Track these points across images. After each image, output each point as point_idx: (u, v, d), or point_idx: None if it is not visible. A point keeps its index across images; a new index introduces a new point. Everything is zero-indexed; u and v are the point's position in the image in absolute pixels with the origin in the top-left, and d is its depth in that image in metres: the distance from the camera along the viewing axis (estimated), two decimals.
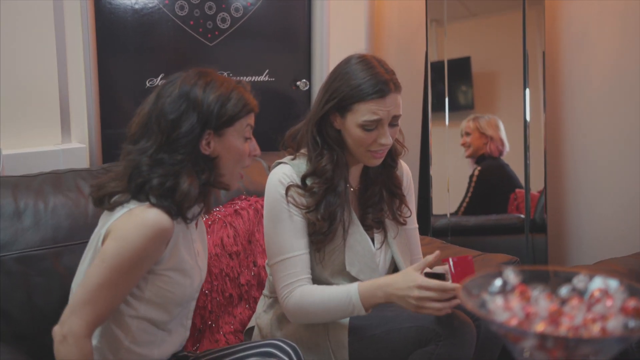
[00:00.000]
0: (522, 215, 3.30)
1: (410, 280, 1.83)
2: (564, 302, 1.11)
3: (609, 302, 1.07)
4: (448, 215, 3.33)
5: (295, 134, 2.08)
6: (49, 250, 2.14)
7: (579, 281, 1.13)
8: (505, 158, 3.37)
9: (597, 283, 1.11)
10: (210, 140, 1.73)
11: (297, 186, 1.98)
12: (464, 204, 3.37)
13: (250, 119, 1.80)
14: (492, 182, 3.41)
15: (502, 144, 3.35)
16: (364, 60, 1.95)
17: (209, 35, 3.00)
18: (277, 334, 2.05)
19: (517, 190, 3.33)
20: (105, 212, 1.76)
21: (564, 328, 1.02)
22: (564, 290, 1.13)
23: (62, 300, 1.87)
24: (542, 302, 1.08)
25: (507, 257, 2.39)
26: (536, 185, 3.28)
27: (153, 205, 1.67)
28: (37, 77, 2.53)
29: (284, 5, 3.21)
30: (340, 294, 1.91)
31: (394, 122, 1.96)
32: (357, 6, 3.36)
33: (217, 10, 2.99)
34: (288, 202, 1.97)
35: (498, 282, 1.13)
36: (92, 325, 1.63)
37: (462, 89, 3.41)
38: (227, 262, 2.34)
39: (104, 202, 1.74)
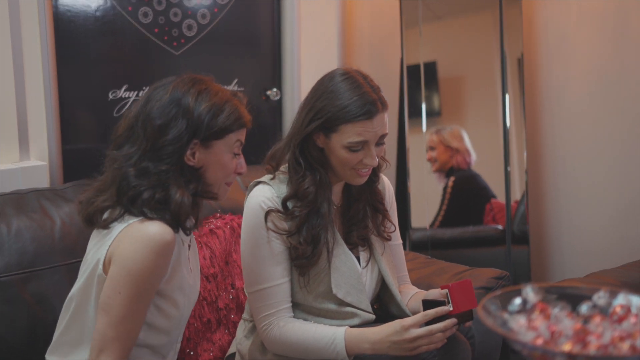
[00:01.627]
0: (500, 227, 3.34)
1: (397, 324, 1.87)
2: (585, 320, 1.14)
3: (633, 319, 1.10)
4: (427, 227, 3.36)
5: (275, 152, 2.07)
6: (14, 277, 2.12)
7: (599, 298, 1.16)
8: (481, 166, 3.41)
9: (619, 299, 1.14)
10: (196, 151, 1.73)
11: (278, 211, 1.98)
12: (439, 217, 3.41)
13: (241, 135, 1.80)
14: (466, 193, 3.45)
15: (469, 154, 3.40)
16: (350, 78, 1.95)
17: (175, 44, 2.99)
18: (260, 359, 2.05)
19: (493, 200, 3.38)
20: (97, 231, 1.75)
21: (593, 347, 1.04)
22: (584, 308, 1.16)
23: (30, 328, 1.86)
24: (564, 320, 1.11)
25: (497, 272, 2.42)
26: (515, 195, 3.32)
27: (151, 218, 1.67)
28: None
29: (253, 11, 3.22)
30: (324, 338, 1.94)
31: (380, 141, 1.97)
32: (328, 9, 3.38)
33: (182, 17, 2.99)
34: (268, 228, 1.97)
35: (517, 301, 1.15)
36: (124, 358, 1.65)
37: (427, 94, 3.44)
38: (204, 285, 2.32)
39: (95, 220, 1.73)
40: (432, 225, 3.37)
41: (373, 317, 2.07)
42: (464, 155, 3.39)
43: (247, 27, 3.21)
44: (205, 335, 2.31)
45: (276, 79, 3.32)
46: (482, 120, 3.44)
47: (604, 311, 1.15)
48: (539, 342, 1.06)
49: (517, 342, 1.07)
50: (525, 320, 1.11)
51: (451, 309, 1.85)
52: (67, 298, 1.80)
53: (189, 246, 1.88)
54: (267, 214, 1.97)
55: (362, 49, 3.61)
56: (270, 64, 3.31)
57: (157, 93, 1.74)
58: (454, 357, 1.93)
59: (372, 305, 2.13)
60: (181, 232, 1.75)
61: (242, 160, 1.84)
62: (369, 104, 1.91)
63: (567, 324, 1.09)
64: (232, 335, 2.34)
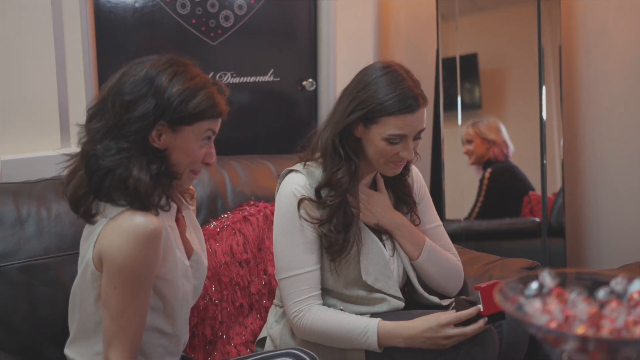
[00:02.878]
0: (537, 219, 3.33)
1: (432, 321, 1.92)
2: (602, 305, 1.16)
3: None
4: (462, 219, 3.37)
5: (311, 140, 2.10)
6: (53, 259, 2.17)
7: (617, 284, 1.18)
8: (519, 159, 3.41)
9: (636, 285, 1.15)
10: (162, 132, 1.69)
11: (310, 199, 2.02)
12: (476, 208, 3.41)
13: (213, 125, 1.75)
14: (503, 184, 3.45)
15: (506, 146, 3.39)
16: (393, 71, 1.99)
17: (212, 34, 3.04)
18: (291, 343, 2.09)
19: (531, 192, 3.37)
20: (86, 226, 1.76)
21: (605, 330, 1.06)
22: (601, 293, 1.18)
23: (67, 310, 1.90)
24: (580, 305, 1.12)
25: (527, 262, 2.43)
26: (552, 187, 3.31)
27: (125, 207, 1.66)
28: (35, 79, 2.57)
29: (289, 2, 3.25)
30: (357, 329, 1.97)
31: (418, 135, 2.01)
32: (364, 3, 3.40)
33: (219, 8, 3.04)
34: (300, 216, 2.01)
35: (534, 285, 1.17)
36: (132, 350, 1.67)
37: (468, 87, 3.44)
38: (237, 270, 2.37)
39: (78, 207, 1.73)
40: (468, 217, 3.38)
41: (402, 304, 2.10)
42: (501, 147, 3.39)
43: (283, 18, 3.24)
44: (238, 320, 2.36)
45: (312, 70, 3.35)
46: (521, 112, 3.43)
47: (621, 297, 1.17)
48: (553, 325, 1.08)
49: (531, 325, 1.09)
50: (541, 304, 1.13)
51: (482, 309, 1.89)
52: (71, 292, 1.81)
53: (184, 226, 1.88)
54: (300, 202, 2.01)
55: (398, 41, 3.63)
56: (306, 55, 3.33)
57: (134, 69, 1.71)
58: (481, 345, 1.95)
59: (402, 290, 2.16)
60: (163, 215, 1.73)
61: (212, 150, 1.79)
62: (411, 98, 1.94)
63: (582, 308, 1.11)
64: (264, 320, 2.38)
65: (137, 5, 2.87)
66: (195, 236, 1.94)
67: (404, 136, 1.97)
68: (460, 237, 3.34)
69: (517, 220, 3.42)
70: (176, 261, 1.78)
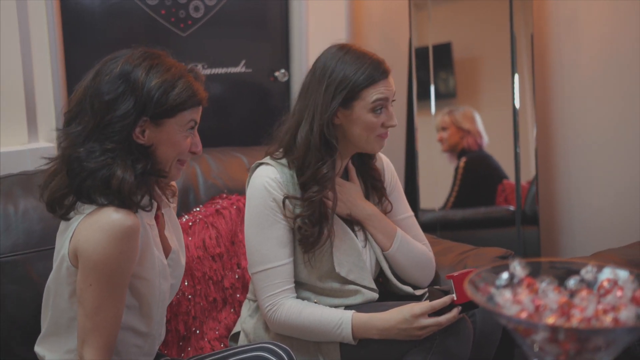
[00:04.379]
0: (512, 207, 3.34)
1: (406, 312, 1.92)
2: (572, 294, 1.15)
3: (619, 293, 1.11)
4: (437, 209, 3.37)
5: (283, 135, 2.08)
6: (21, 257, 2.15)
7: (587, 272, 1.18)
8: (493, 147, 3.41)
9: (606, 274, 1.15)
10: (146, 128, 1.67)
11: (294, 197, 2.00)
12: (452, 198, 3.42)
13: (195, 114, 1.74)
14: (478, 173, 3.45)
15: (480, 136, 3.40)
16: (351, 49, 2.03)
17: (182, 25, 3.01)
18: (265, 337, 2.08)
19: (505, 181, 3.38)
20: (62, 222, 1.74)
21: (575, 320, 1.06)
22: (572, 282, 1.18)
23: (37, 308, 1.89)
24: (550, 294, 1.12)
25: (502, 251, 2.43)
26: (526, 175, 3.32)
27: (106, 205, 1.64)
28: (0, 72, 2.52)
29: None
30: (331, 322, 1.97)
31: (393, 99, 2.05)
32: None
33: None
34: (278, 211, 1.99)
35: (505, 275, 1.17)
36: (106, 347, 1.66)
37: (442, 76, 3.44)
38: (210, 264, 2.35)
39: (55, 208, 1.71)
40: (444, 207, 3.38)
41: (376, 295, 2.10)
42: (475, 136, 3.40)
43: (254, 8, 3.21)
44: (211, 314, 2.35)
45: (284, 61, 3.33)
46: (494, 101, 3.44)
47: (591, 285, 1.17)
48: (523, 315, 1.08)
49: (502, 315, 1.08)
50: (511, 294, 1.13)
51: (456, 298, 1.89)
52: (45, 288, 1.80)
53: (163, 224, 1.87)
54: (284, 201, 1.99)
55: (371, 30, 3.61)
56: (278, 45, 3.31)
57: (108, 67, 1.68)
58: (455, 335, 1.96)
59: (376, 281, 2.16)
60: (142, 213, 1.72)
61: (197, 139, 1.78)
62: (381, 64, 2.01)
63: (552, 297, 1.11)
64: (238, 314, 2.37)
65: None
66: (174, 234, 1.93)
67: (386, 100, 2.00)
68: (435, 226, 3.34)
69: (491, 209, 3.43)
70: (154, 260, 1.77)
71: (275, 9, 3.28)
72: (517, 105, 3.27)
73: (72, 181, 1.66)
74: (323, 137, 1.99)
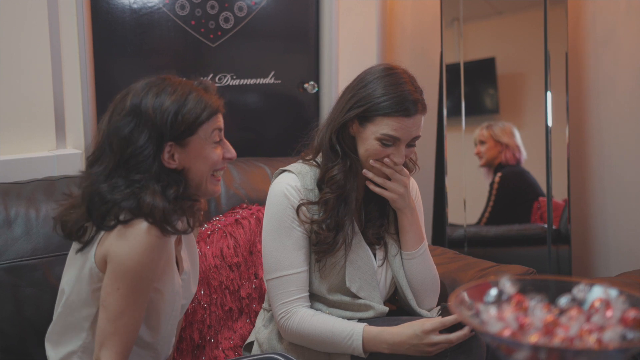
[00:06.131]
0: (545, 225, 3.29)
1: (417, 328, 1.89)
2: (562, 312, 1.13)
3: (609, 313, 1.08)
4: (464, 225, 3.33)
5: (313, 139, 2.09)
6: (40, 260, 2.18)
7: (579, 291, 1.15)
8: (526, 165, 3.37)
9: (597, 293, 1.12)
10: (174, 152, 1.69)
11: (309, 202, 2.00)
12: (486, 214, 3.38)
13: (216, 122, 1.75)
14: (514, 189, 3.41)
15: (519, 150, 3.36)
16: (397, 74, 1.98)
17: (212, 36, 3.03)
18: (278, 347, 2.08)
19: (541, 198, 3.33)
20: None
21: (558, 339, 1.03)
22: (563, 300, 1.15)
23: (53, 311, 1.91)
24: (538, 312, 1.09)
25: (523, 269, 2.39)
26: (560, 194, 3.27)
27: (133, 218, 1.65)
28: (30, 79, 2.57)
29: (291, 4, 3.23)
30: (342, 333, 1.95)
31: (412, 142, 1.99)
32: (368, 4, 3.38)
33: (219, 9, 3.03)
34: (296, 218, 1.99)
35: (493, 292, 1.15)
36: (124, 353, 1.67)
37: (477, 92, 3.42)
38: (227, 274, 2.36)
39: (74, 236, 1.73)
40: (479, 222, 3.34)
41: (387, 309, 2.08)
42: (513, 151, 3.36)
43: (284, 21, 3.22)
44: (227, 324, 2.35)
45: (314, 72, 3.33)
46: (528, 118, 3.40)
47: (582, 304, 1.14)
48: (506, 333, 1.05)
49: (484, 333, 1.06)
50: (496, 311, 1.10)
51: None
52: (59, 290, 1.82)
53: (180, 244, 1.89)
54: (299, 207, 1.99)
55: (403, 43, 3.60)
56: (308, 57, 3.32)
57: (119, 106, 1.71)
58: (467, 352, 1.92)
59: (392, 298, 2.15)
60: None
61: (227, 145, 1.79)
62: (410, 102, 1.93)
63: (539, 315, 1.08)
64: (254, 324, 2.37)
65: (135, 6, 2.87)
66: (189, 256, 1.94)
67: (397, 139, 1.95)
68: (462, 243, 3.30)
69: (525, 226, 3.38)
70: (173, 276, 1.79)
71: (305, 20, 3.29)
72: (550, 123, 3.22)
73: (92, 213, 1.67)
74: (331, 141, 2.00)
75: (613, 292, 1.12)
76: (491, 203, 3.38)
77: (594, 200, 3.40)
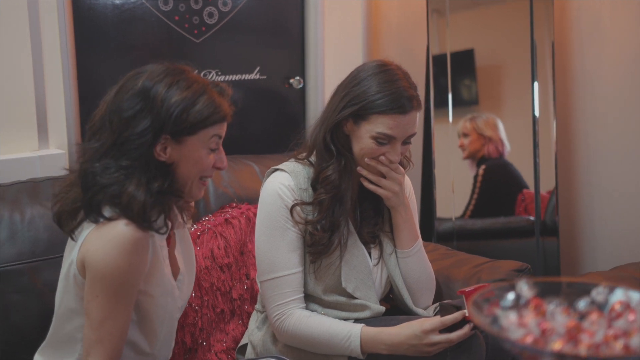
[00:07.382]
0: (532, 218, 3.27)
1: (416, 328, 1.86)
2: (582, 316, 1.09)
3: (631, 317, 1.04)
4: (453, 218, 3.31)
5: (306, 137, 2.06)
6: (26, 265, 2.13)
7: (598, 294, 1.11)
8: (512, 156, 3.35)
9: (618, 295, 1.09)
10: (167, 146, 1.65)
11: (303, 203, 1.96)
12: (470, 206, 3.36)
13: (219, 129, 1.71)
14: (498, 181, 3.39)
15: (502, 144, 3.34)
16: (391, 71, 1.94)
17: (196, 31, 2.98)
18: (273, 349, 2.04)
19: (525, 190, 3.32)
20: None
21: (583, 346, 0.99)
22: (582, 304, 1.11)
23: (41, 317, 1.86)
24: (558, 317, 1.06)
25: (518, 264, 2.37)
26: (546, 186, 3.25)
27: (115, 218, 1.61)
28: (11, 78, 2.49)
29: None
30: (339, 334, 1.92)
31: (407, 140, 1.96)
32: None
33: (203, 4, 2.97)
34: (290, 218, 1.95)
35: (511, 296, 1.11)
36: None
37: (465, 83, 3.39)
38: (218, 275, 2.31)
39: (62, 221, 1.70)
40: (462, 216, 3.32)
41: (383, 309, 2.04)
42: (496, 144, 3.34)
43: (269, 15, 3.17)
44: (219, 326, 2.30)
45: (299, 68, 3.28)
46: (514, 109, 3.38)
47: (602, 308, 1.10)
48: (528, 340, 1.01)
49: (506, 340, 1.02)
50: (517, 316, 1.06)
51: (468, 314, 1.83)
52: (55, 298, 1.78)
53: (174, 244, 1.84)
54: (292, 208, 1.95)
55: (389, 38, 3.56)
56: (293, 52, 3.27)
57: (130, 82, 1.66)
58: (467, 351, 1.90)
59: (387, 297, 2.12)
60: (154, 233, 1.68)
61: (221, 155, 1.75)
62: (405, 99, 1.90)
63: (560, 320, 1.04)
64: (246, 326, 2.33)
65: (117, 1, 2.80)
66: (185, 255, 1.88)
67: (393, 137, 1.92)
68: (451, 236, 3.28)
69: (511, 219, 3.36)
70: (163, 278, 1.74)
71: (290, 15, 3.24)
72: (537, 113, 3.20)
73: (85, 195, 1.63)
74: (325, 140, 1.96)
75: (635, 295, 1.08)
76: (475, 196, 3.36)
77: (582, 191, 3.39)
